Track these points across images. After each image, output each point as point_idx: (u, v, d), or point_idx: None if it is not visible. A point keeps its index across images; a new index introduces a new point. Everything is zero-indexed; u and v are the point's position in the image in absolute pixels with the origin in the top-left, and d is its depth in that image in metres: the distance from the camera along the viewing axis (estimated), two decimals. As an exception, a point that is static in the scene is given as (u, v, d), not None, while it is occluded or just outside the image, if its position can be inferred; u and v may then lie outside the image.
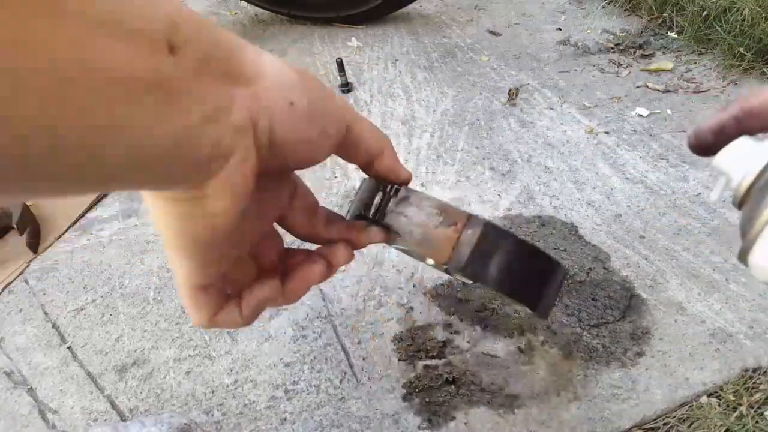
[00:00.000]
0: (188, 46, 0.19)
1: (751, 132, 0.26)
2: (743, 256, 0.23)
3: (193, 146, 0.20)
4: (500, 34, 1.14)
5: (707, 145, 0.29)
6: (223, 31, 0.22)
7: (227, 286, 0.29)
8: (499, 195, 0.78)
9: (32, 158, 0.16)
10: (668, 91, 0.93)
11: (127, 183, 0.20)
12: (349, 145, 0.28)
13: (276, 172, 0.26)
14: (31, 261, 0.79)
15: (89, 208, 0.86)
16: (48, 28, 0.15)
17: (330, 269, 0.31)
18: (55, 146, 0.16)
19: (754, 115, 0.26)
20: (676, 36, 1.05)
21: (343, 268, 0.71)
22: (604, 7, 1.17)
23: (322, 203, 0.33)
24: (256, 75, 0.22)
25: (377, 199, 0.33)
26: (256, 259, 0.31)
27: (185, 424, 0.52)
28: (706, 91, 0.92)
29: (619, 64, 1.01)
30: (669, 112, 0.89)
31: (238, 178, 0.22)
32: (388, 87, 1.01)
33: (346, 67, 1.01)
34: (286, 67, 0.24)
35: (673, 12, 1.07)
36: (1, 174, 0.15)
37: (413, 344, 0.61)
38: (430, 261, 0.33)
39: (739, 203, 0.24)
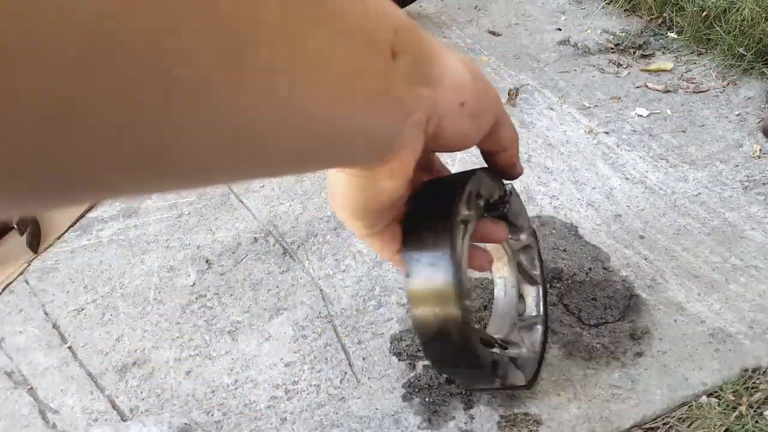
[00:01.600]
0: (404, 53, 0.21)
1: None
2: None
3: (384, 140, 0.23)
4: (500, 34, 1.14)
5: None
6: (425, 34, 0.24)
7: (392, 233, 0.34)
8: (499, 195, 0.78)
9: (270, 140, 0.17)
10: (668, 91, 0.93)
11: (320, 166, 0.23)
12: (490, 135, 0.32)
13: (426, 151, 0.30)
14: (31, 261, 0.79)
15: (89, 208, 0.86)
16: (322, 39, 0.16)
17: None
18: (287, 130, 0.17)
19: None
20: (675, 36, 1.05)
21: (350, 265, 0.71)
22: (603, 7, 1.17)
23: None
24: (440, 77, 0.25)
25: (490, 194, 0.37)
26: None
27: (186, 424, 0.52)
28: (706, 91, 0.92)
29: (619, 65, 1.01)
30: (669, 112, 0.89)
31: (406, 164, 0.26)
32: (388, 87, 1.01)
33: (346, 67, 1.01)
34: (464, 69, 0.27)
35: (672, 12, 1.07)
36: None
37: (413, 344, 0.61)
38: None
39: None
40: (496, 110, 0.30)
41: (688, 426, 0.52)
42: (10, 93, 0.10)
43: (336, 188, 0.29)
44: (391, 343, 0.62)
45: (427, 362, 0.59)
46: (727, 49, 0.95)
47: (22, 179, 0.11)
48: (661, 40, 1.05)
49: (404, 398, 0.57)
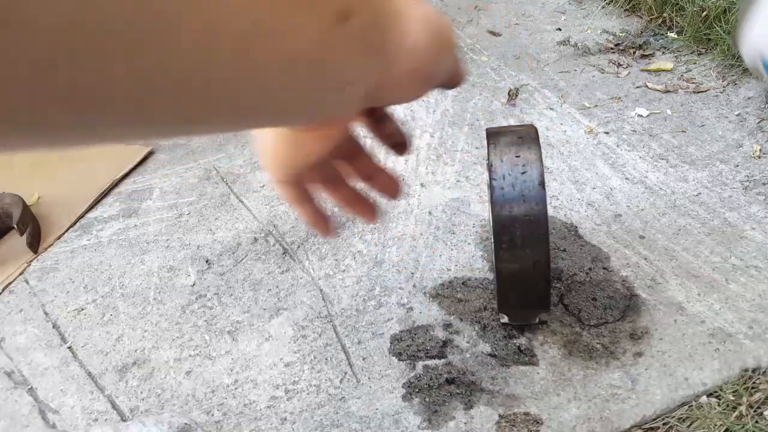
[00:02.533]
0: (357, 16, 0.18)
1: None
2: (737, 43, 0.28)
3: (320, 109, 0.21)
4: (500, 35, 1.14)
5: None
6: None
7: (304, 185, 0.35)
8: (499, 195, 0.78)
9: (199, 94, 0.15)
10: (668, 91, 0.93)
11: (254, 126, 0.22)
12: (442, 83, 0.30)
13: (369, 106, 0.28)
14: (31, 261, 0.79)
15: (89, 208, 0.86)
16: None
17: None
18: (210, 87, 0.15)
19: None
20: (675, 36, 1.05)
21: (346, 267, 0.71)
22: (603, 7, 1.17)
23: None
24: (398, 42, 0.22)
25: None
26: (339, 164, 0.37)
27: (186, 424, 0.52)
28: (705, 91, 0.92)
29: (619, 65, 1.01)
30: (669, 112, 0.89)
31: (339, 131, 0.25)
32: (388, 87, 1.01)
33: (346, 67, 1.01)
34: (425, 30, 0.24)
35: (672, 12, 1.07)
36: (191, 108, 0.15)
37: (413, 344, 0.61)
38: None
39: None
40: (452, 68, 0.28)
41: (688, 426, 0.52)
42: None
43: (265, 140, 0.28)
44: (391, 343, 0.62)
45: (426, 362, 0.60)
46: (727, 49, 0.95)
47: None
48: (661, 40, 1.05)
49: (404, 398, 0.57)
